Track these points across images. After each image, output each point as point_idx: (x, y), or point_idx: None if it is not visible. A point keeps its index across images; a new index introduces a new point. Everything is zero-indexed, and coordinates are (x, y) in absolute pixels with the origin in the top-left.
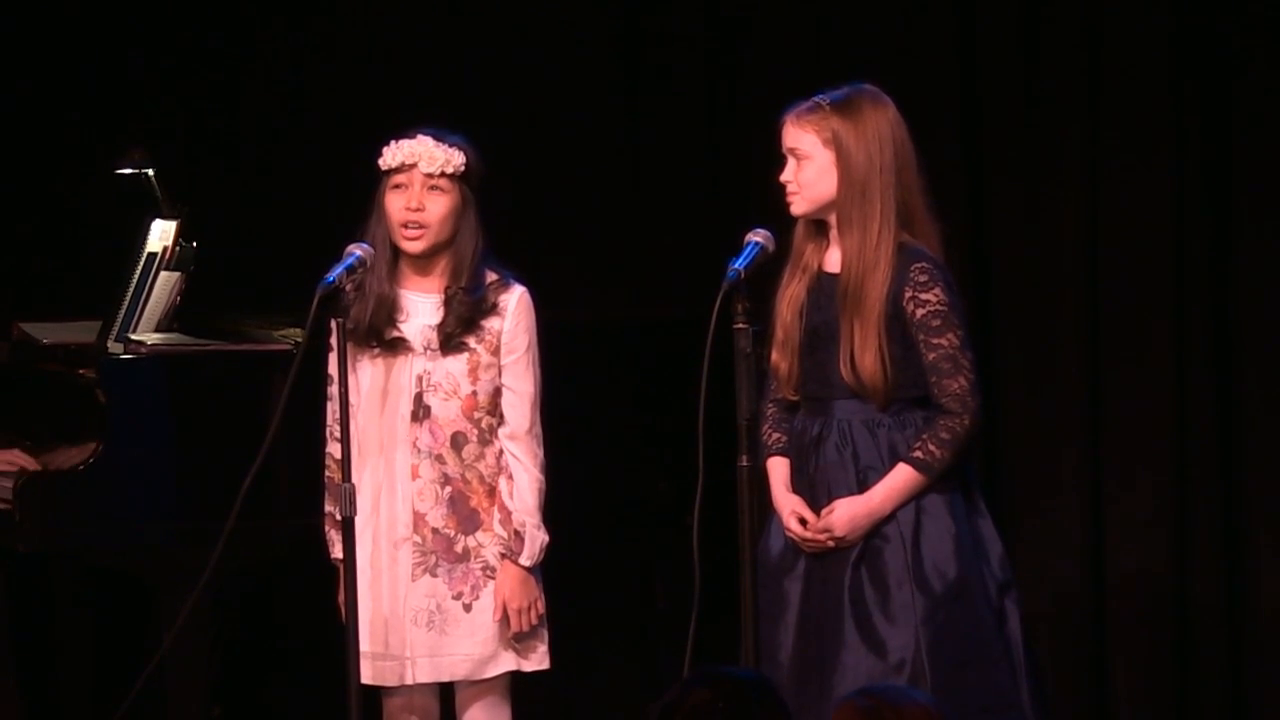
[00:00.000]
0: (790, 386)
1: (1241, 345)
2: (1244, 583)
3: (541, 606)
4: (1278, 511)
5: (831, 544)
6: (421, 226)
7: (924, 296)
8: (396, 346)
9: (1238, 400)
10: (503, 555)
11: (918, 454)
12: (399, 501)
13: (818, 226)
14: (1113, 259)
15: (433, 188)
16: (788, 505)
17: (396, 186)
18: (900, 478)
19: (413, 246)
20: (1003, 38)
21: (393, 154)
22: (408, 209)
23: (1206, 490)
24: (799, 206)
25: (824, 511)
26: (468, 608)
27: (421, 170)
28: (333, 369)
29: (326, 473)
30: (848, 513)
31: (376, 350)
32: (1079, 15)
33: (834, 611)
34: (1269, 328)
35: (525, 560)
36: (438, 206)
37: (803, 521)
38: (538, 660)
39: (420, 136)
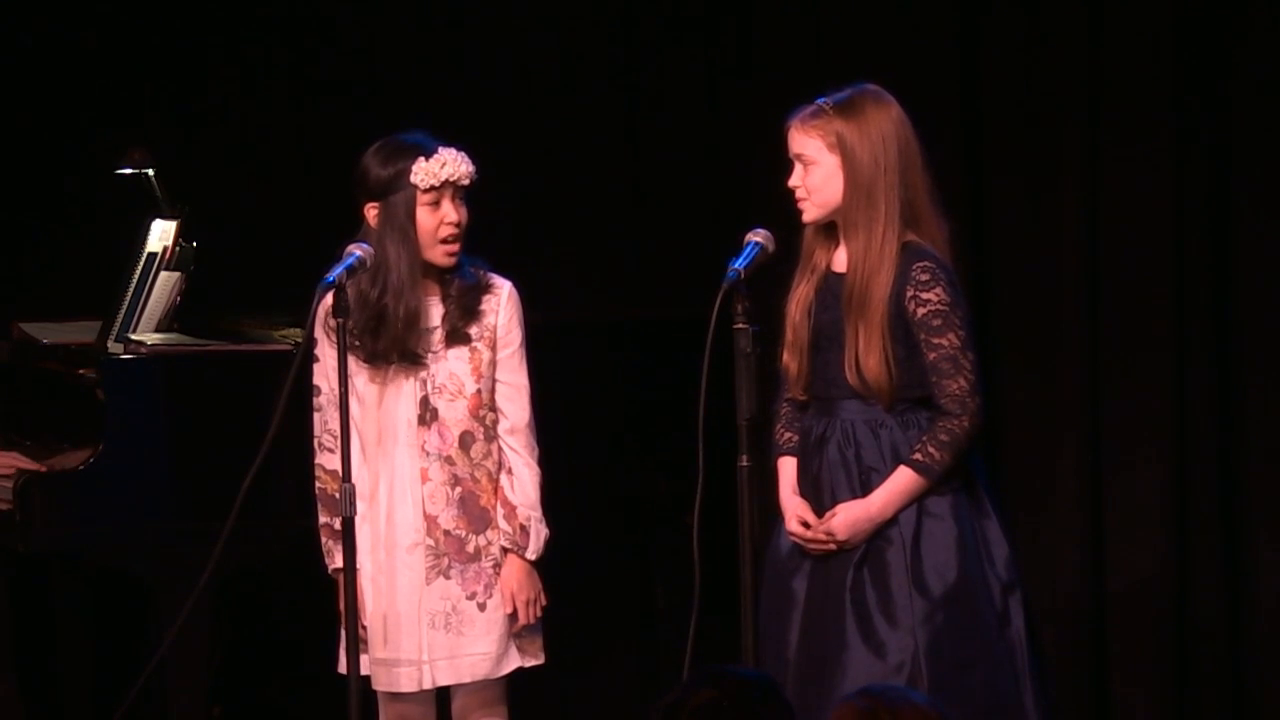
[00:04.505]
0: (799, 387)
1: (1241, 345)
2: (1244, 583)
3: (545, 599)
4: (1278, 511)
5: (834, 546)
6: (459, 239)
7: (925, 296)
8: (417, 358)
9: (1238, 400)
10: (505, 549)
11: (918, 456)
12: (408, 506)
13: (827, 227)
14: (1113, 258)
15: (461, 199)
16: (791, 508)
17: (431, 203)
18: (901, 481)
19: (452, 260)
20: (1004, 37)
21: (431, 173)
22: (449, 223)
23: (1206, 490)
24: (810, 213)
25: (826, 515)
26: (482, 606)
27: (458, 184)
28: (319, 380)
29: (318, 484)
30: (849, 517)
31: (393, 360)
32: (1079, 14)
33: (835, 611)
34: (1269, 327)
35: (530, 554)
36: (464, 215)
37: (805, 524)
38: (538, 655)
39: (442, 150)
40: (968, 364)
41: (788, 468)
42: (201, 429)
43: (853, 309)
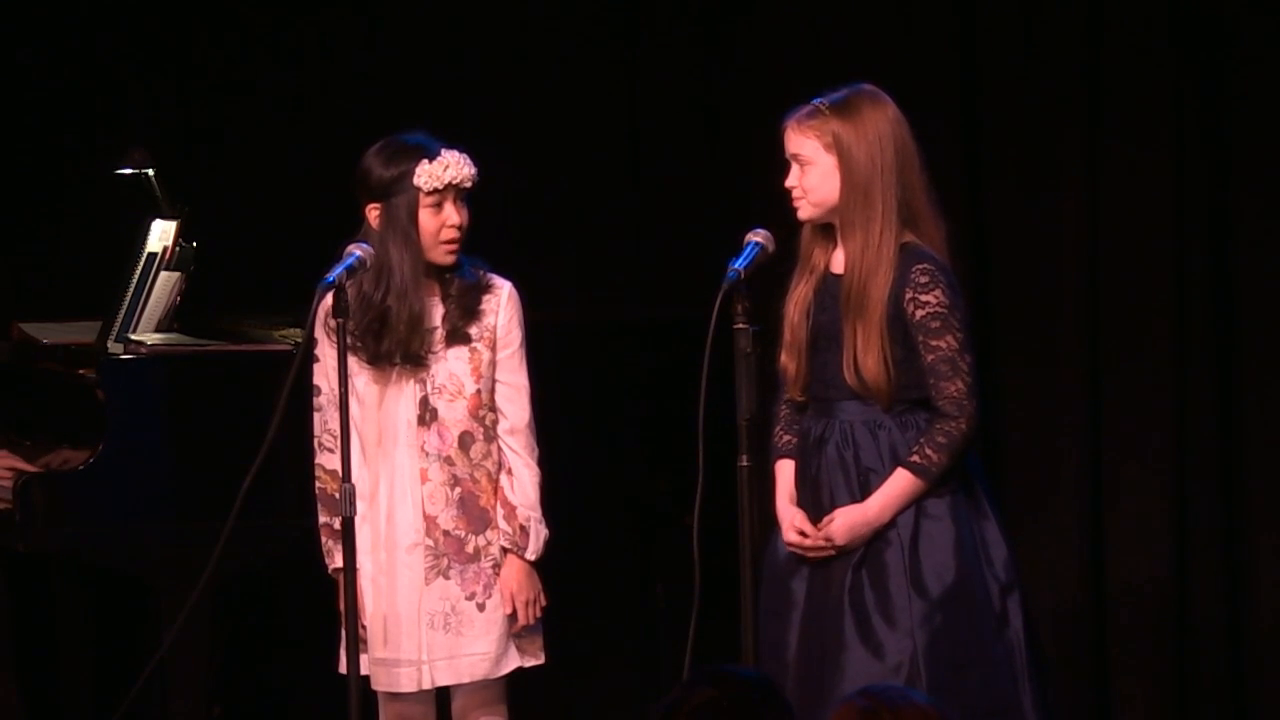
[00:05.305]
0: (798, 388)
1: (1242, 345)
2: (1244, 584)
3: (545, 599)
4: (1278, 512)
5: (833, 551)
6: (459, 239)
7: (924, 298)
8: (420, 360)
9: (1238, 401)
10: (505, 550)
11: (914, 459)
12: (408, 507)
13: (825, 228)
14: (1113, 258)
15: (463, 200)
16: (787, 519)
17: (434, 205)
18: (898, 484)
19: (452, 257)
20: (1003, 37)
21: (434, 176)
22: (451, 225)
23: (1206, 492)
24: (805, 212)
25: (824, 520)
26: (481, 607)
27: (460, 187)
28: (319, 379)
29: (318, 484)
30: (847, 522)
31: (396, 362)
32: (1079, 14)
33: (834, 612)
34: (1269, 328)
35: (530, 555)
36: (466, 216)
37: (803, 534)
38: (538, 655)
39: (445, 152)
40: (965, 366)
41: (785, 473)
42: (201, 429)
43: (850, 309)
